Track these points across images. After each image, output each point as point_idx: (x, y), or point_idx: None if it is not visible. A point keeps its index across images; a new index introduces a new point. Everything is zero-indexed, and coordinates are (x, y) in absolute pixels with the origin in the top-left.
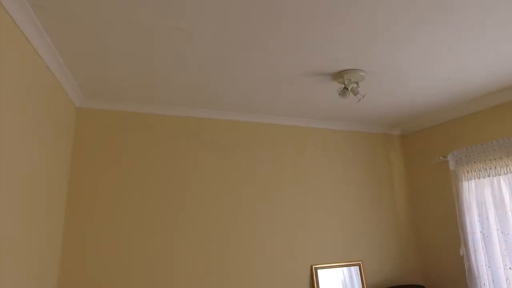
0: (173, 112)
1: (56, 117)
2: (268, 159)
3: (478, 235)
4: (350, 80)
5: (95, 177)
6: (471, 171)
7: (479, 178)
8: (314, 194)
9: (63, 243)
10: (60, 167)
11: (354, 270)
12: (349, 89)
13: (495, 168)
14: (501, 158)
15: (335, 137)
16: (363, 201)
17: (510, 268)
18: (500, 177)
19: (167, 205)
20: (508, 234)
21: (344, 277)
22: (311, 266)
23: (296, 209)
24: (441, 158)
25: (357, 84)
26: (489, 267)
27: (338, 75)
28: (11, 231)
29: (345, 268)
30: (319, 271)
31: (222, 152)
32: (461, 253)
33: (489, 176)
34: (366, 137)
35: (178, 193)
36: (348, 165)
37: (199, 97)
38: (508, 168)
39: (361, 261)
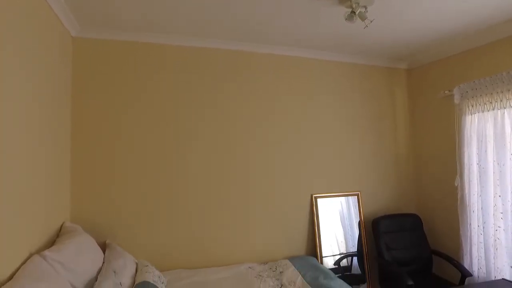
0: (172, 41)
1: (51, 47)
2: (268, 90)
3: (475, 167)
4: (358, 3)
5: (97, 108)
6: (475, 104)
7: (482, 112)
8: (316, 126)
9: (71, 170)
10: (61, 97)
11: (352, 199)
12: (357, 13)
13: (500, 101)
14: (508, 90)
15: (339, 69)
16: (364, 134)
17: (500, 196)
18: (505, 110)
19: (167, 134)
20: (503, 165)
21: (342, 206)
22: (311, 195)
23: (298, 140)
24: (446, 92)
25: (365, 8)
26: (480, 195)
27: None
28: (19, 160)
29: (343, 198)
30: (318, 200)
31: (221, 82)
32: (455, 184)
33: (493, 109)
34: (371, 70)
35: (178, 123)
36: (351, 98)
37: (199, 26)
38: None
39: (359, 191)
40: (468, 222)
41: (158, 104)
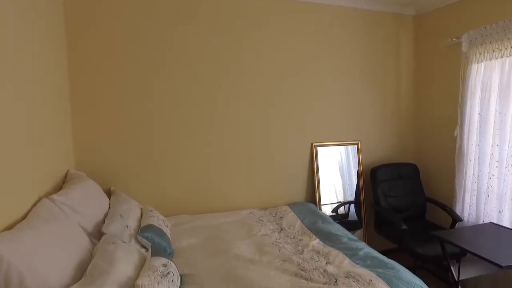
0: None
1: None
2: (271, 36)
3: (476, 117)
4: None
5: (95, 50)
6: (483, 52)
7: (490, 60)
8: (318, 76)
9: (72, 118)
10: (55, 39)
11: (352, 148)
12: None
13: (511, 48)
14: None
15: (343, 14)
16: (366, 82)
17: (498, 145)
18: None
19: (166, 81)
20: (505, 114)
21: (341, 155)
22: (312, 144)
23: (300, 90)
24: (454, 39)
25: None
26: (478, 145)
27: None
28: (17, 104)
29: (343, 147)
30: (318, 148)
31: (222, 32)
32: (455, 134)
33: (502, 57)
34: (376, 16)
35: (178, 67)
36: (354, 44)
37: None
38: None
39: (359, 141)
40: (464, 171)
41: (162, 48)
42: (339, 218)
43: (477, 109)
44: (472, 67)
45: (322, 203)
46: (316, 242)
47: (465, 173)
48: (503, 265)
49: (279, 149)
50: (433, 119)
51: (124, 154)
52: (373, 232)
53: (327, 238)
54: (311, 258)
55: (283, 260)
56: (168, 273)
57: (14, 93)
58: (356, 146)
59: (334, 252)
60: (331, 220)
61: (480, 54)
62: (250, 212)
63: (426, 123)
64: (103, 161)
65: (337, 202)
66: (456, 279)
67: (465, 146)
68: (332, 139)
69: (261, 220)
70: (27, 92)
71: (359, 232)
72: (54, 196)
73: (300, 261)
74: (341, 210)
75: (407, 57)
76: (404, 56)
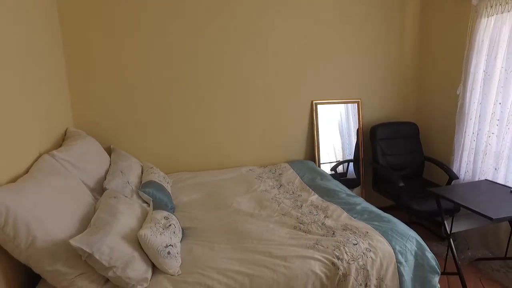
0: None
1: None
2: None
3: (480, 74)
4: None
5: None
6: (495, 4)
7: (501, 13)
8: (320, 31)
9: (67, 76)
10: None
11: (352, 107)
12: None
13: None
14: None
15: None
16: (369, 39)
17: (500, 103)
18: None
19: (169, 36)
20: (511, 71)
21: (341, 114)
22: (312, 101)
23: (300, 45)
24: None
25: None
26: (480, 103)
27: None
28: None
29: (343, 105)
30: (319, 106)
31: None
32: (458, 92)
33: None
34: None
35: (177, 23)
36: None
37: None
38: None
39: (360, 99)
40: (464, 129)
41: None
42: (337, 176)
43: (482, 66)
44: (481, 21)
45: (321, 162)
46: (314, 197)
47: (465, 131)
48: (493, 217)
49: (279, 106)
50: (436, 77)
51: (123, 113)
52: (371, 190)
53: (326, 193)
54: (310, 212)
55: (282, 214)
56: (170, 225)
57: (8, 51)
58: (356, 104)
59: (332, 206)
60: (330, 177)
61: (491, 6)
62: (250, 169)
63: (429, 81)
64: (102, 120)
65: (336, 161)
66: (449, 232)
67: (467, 104)
68: (333, 97)
69: (260, 177)
70: (20, 50)
71: (357, 189)
72: (55, 152)
73: (299, 215)
74: (340, 169)
75: (413, 12)
76: (410, 11)
